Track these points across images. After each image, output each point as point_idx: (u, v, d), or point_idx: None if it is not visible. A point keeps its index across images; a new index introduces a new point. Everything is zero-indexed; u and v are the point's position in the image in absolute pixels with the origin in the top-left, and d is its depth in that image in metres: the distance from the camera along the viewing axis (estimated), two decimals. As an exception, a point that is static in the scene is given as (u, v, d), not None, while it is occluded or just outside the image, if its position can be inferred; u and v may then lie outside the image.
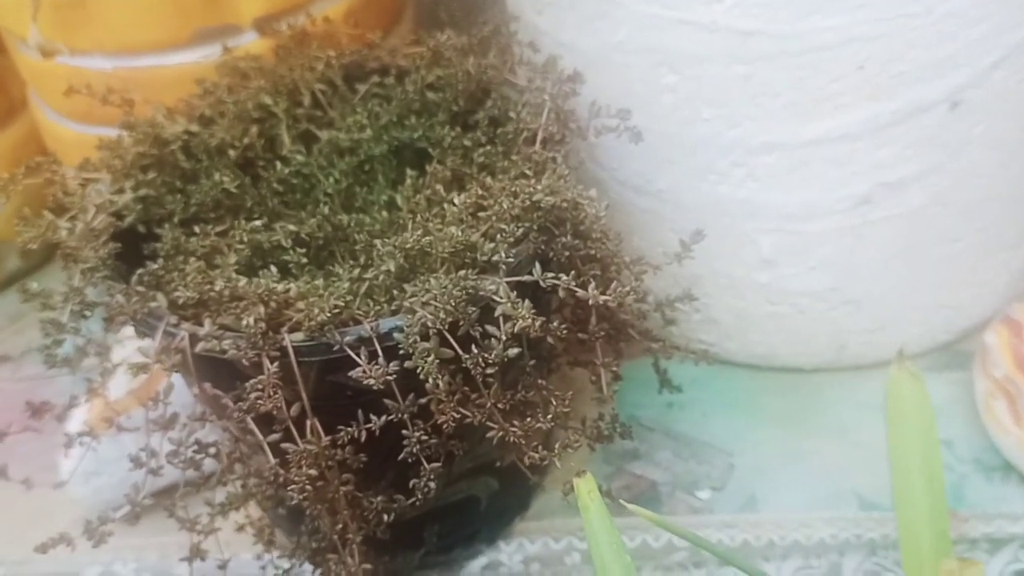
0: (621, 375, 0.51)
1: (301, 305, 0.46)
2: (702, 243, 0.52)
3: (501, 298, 0.45)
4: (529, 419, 0.46)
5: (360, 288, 0.48)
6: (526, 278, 0.46)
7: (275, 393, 0.44)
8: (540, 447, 0.46)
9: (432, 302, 0.44)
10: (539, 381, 0.48)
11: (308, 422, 0.46)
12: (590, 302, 0.45)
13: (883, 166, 0.57)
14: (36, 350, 0.49)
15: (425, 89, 0.59)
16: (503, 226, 0.47)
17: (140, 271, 0.50)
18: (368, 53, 0.62)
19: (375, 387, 0.44)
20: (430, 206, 0.54)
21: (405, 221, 0.53)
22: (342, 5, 0.67)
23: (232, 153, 0.57)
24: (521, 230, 0.47)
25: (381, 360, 0.44)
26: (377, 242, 0.51)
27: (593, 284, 0.46)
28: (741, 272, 0.62)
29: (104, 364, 0.50)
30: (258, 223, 0.54)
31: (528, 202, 0.47)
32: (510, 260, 0.46)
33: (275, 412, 0.45)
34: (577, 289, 0.45)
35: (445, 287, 0.44)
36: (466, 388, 0.45)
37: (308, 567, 0.51)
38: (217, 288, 0.47)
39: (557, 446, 0.47)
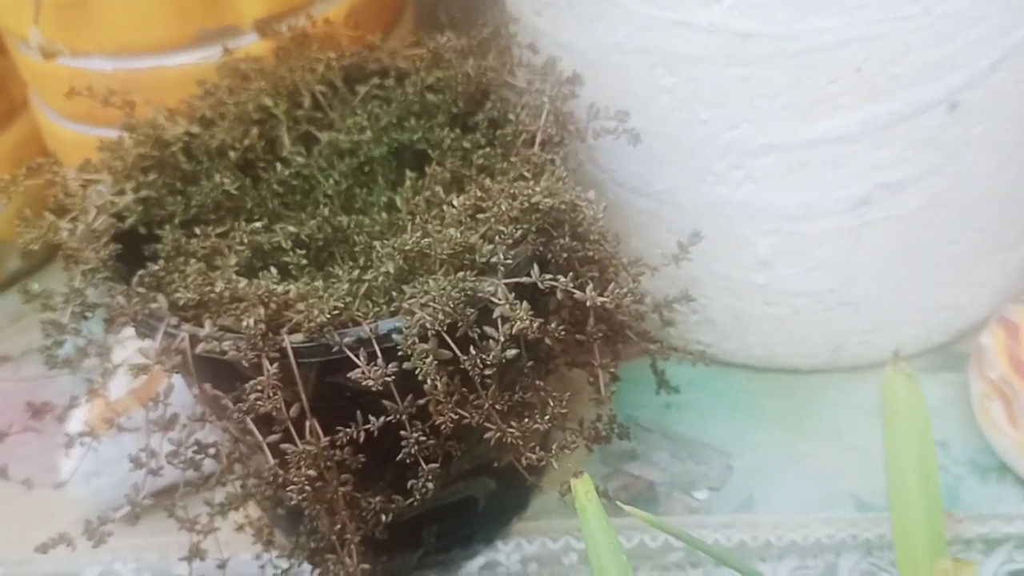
0: (619, 376, 0.51)
1: (301, 306, 0.46)
2: (700, 244, 0.52)
3: (499, 299, 0.45)
4: (527, 420, 0.46)
5: (359, 289, 0.48)
6: (524, 280, 0.46)
7: (275, 394, 0.45)
8: (538, 448, 0.46)
9: (431, 303, 0.44)
10: (537, 382, 0.48)
11: (307, 423, 0.46)
12: (588, 303, 0.46)
13: (881, 167, 0.57)
14: (37, 350, 0.49)
15: (425, 91, 0.59)
16: (501, 228, 0.47)
17: (141, 272, 0.50)
18: (368, 55, 0.62)
19: (374, 388, 0.44)
20: (429, 208, 0.54)
21: (404, 223, 0.54)
22: (342, 7, 0.67)
23: (232, 154, 0.57)
24: (519, 232, 0.47)
25: (380, 361, 0.44)
26: (376, 244, 0.51)
27: (591, 285, 0.46)
28: (739, 273, 0.63)
29: (105, 365, 0.50)
30: (258, 224, 0.54)
31: (527, 204, 0.48)
32: (508, 262, 0.46)
33: (274, 413, 0.45)
34: (575, 290, 0.46)
35: (444, 289, 0.45)
36: (464, 389, 0.45)
37: (307, 567, 0.51)
38: (217, 289, 0.47)
39: (555, 447, 0.47)
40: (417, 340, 0.44)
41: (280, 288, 0.47)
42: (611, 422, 0.50)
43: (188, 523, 0.49)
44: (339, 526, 0.48)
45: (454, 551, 0.58)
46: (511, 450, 0.46)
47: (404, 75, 0.60)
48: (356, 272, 0.50)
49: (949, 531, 0.56)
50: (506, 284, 0.46)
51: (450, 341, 0.44)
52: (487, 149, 0.56)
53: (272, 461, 0.46)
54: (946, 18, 0.52)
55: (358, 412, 0.46)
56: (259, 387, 0.45)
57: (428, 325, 0.44)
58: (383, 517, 0.48)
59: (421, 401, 0.45)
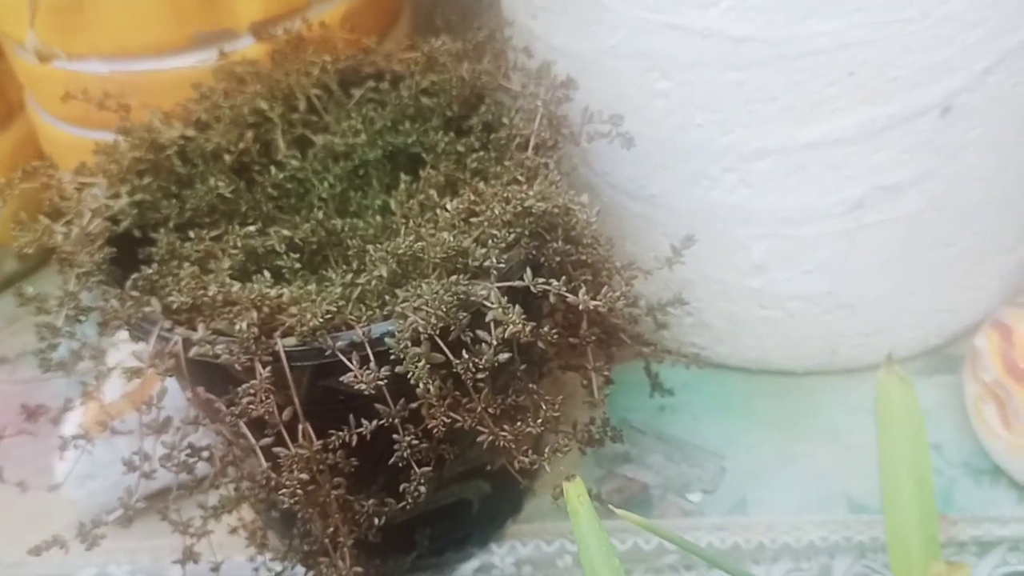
0: (612, 379, 0.51)
1: (294, 310, 0.47)
2: (694, 248, 0.52)
3: (492, 303, 0.45)
4: (520, 423, 0.46)
5: (353, 293, 0.48)
6: (517, 283, 0.46)
7: (267, 397, 0.45)
8: (530, 451, 0.46)
9: (423, 307, 0.44)
10: (530, 385, 0.48)
11: (300, 426, 0.46)
12: (581, 307, 0.46)
13: (878, 170, 0.57)
14: (31, 353, 0.49)
15: (419, 94, 0.59)
16: (495, 231, 0.47)
17: (135, 276, 0.50)
18: (363, 58, 0.62)
19: (366, 392, 0.44)
20: (423, 211, 0.54)
21: (398, 226, 0.54)
22: (338, 10, 0.67)
23: (227, 158, 0.57)
24: (513, 235, 0.48)
25: (372, 365, 0.44)
26: (370, 247, 0.51)
27: (584, 289, 0.46)
28: (733, 277, 0.63)
29: (99, 368, 0.50)
30: (252, 228, 0.54)
31: (520, 208, 0.48)
32: (501, 265, 0.46)
33: (267, 416, 0.45)
34: (568, 294, 0.46)
35: (436, 292, 0.45)
36: (457, 393, 0.45)
37: (300, 570, 0.51)
38: (211, 293, 0.47)
39: (548, 450, 0.47)
40: (410, 344, 0.44)
41: (273, 292, 0.47)
42: (604, 425, 0.51)
43: (181, 526, 0.49)
44: (332, 529, 0.48)
45: (448, 554, 0.59)
46: (504, 453, 0.46)
47: (399, 78, 0.60)
48: (349, 276, 0.50)
49: (943, 533, 0.56)
50: (499, 288, 0.46)
51: (443, 345, 0.44)
52: (481, 153, 0.56)
53: (265, 464, 0.46)
54: (944, 21, 0.52)
55: (351, 416, 0.46)
56: (252, 391, 0.45)
57: (421, 329, 0.44)
58: (376, 520, 0.48)
59: (414, 405, 0.45)
